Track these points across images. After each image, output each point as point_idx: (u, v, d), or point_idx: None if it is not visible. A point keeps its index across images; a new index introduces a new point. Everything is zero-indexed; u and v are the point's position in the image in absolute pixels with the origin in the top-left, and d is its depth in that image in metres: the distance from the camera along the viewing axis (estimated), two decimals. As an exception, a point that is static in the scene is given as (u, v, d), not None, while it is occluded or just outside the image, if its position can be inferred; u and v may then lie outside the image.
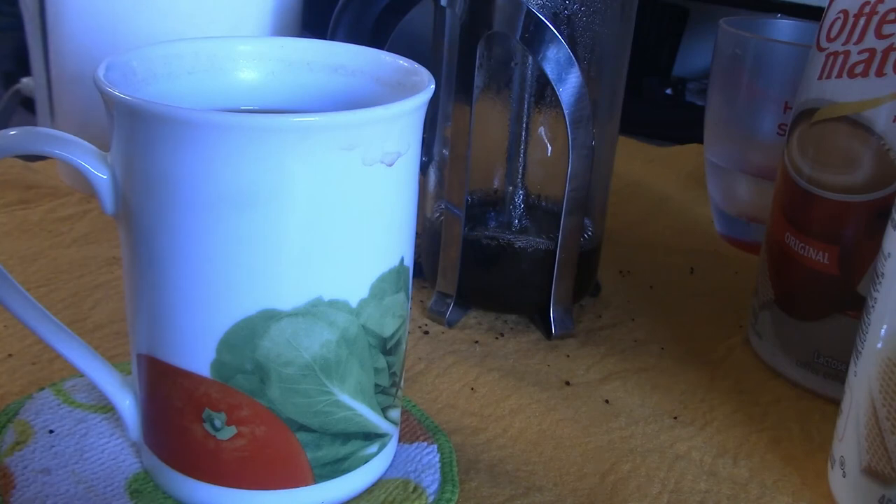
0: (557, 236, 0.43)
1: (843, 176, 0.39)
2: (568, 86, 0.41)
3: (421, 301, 0.47)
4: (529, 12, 0.40)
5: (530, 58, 0.42)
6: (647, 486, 0.35)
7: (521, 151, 0.46)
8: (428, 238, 0.47)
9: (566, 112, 0.41)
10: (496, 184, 0.47)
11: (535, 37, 0.40)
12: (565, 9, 0.41)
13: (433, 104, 0.41)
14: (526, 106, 0.44)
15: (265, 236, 0.27)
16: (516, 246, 0.45)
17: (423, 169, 0.47)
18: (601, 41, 0.43)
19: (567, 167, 0.42)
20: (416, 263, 0.45)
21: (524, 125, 0.45)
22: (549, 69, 0.40)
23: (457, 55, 0.42)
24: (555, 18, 0.41)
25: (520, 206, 0.47)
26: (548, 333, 0.45)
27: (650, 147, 0.78)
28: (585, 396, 0.41)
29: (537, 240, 0.45)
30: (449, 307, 0.45)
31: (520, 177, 0.46)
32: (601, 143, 0.44)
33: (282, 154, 0.26)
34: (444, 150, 0.45)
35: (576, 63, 0.40)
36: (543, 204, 0.47)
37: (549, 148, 0.45)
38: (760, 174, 0.55)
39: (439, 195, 0.46)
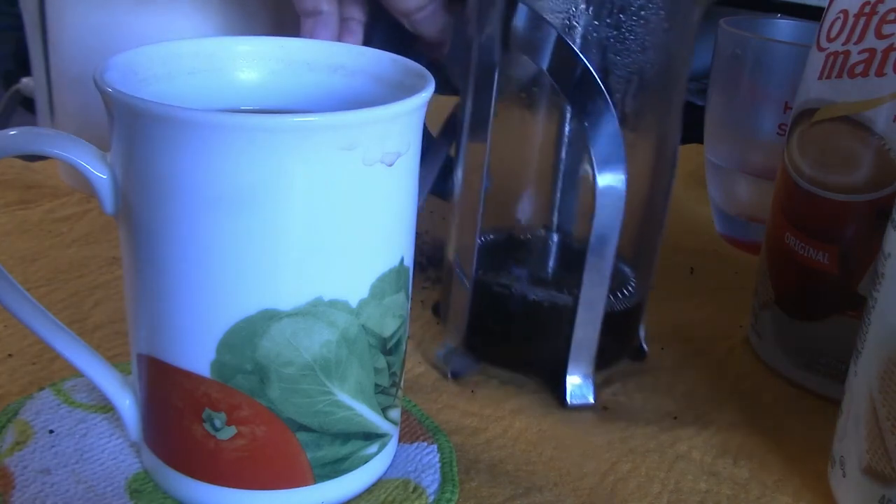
0: (577, 292, 0.38)
1: (843, 176, 0.39)
2: (596, 120, 0.35)
3: (422, 301, 0.47)
4: (559, 39, 0.35)
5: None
6: (647, 486, 0.35)
7: (553, 190, 0.40)
8: (445, 279, 0.43)
9: (592, 151, 0.35)
10: (518, 222, 0.42)
11: (560, 66, 0.35)
12: (595, 32, 0.35)
13: (459, 130, 0.39)
14: (561, 138, 0.39)
15: (265, 236, 0.27)
16: (530, 299, 0.39)
17: (447, 197, 0.42)
18: (645, 72, 0.37)
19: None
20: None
21: (558, 160, 0.39)
22: (574, 100, 0.35)
23: (473, 81, 0.38)
24: (584, 45, 0.36)
25: (543, 251, 0.41)
26: (561, 400, 0.39)
27: (650, 147, 0.77)
28: (585, 396, 0.40)
29: (556, 293, 0.39)
30: (455, 358, 0.41)
31: (553, 218, 0.40)
32: (654, 186, 0.39)
33: (282, 154, 0.26)
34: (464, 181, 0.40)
35: (605, 96, 0.35)
36: (571, 250, 0.41)
37: (580, 187, 0.40)
38: (760, 174, 0.55)
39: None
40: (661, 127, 0.39)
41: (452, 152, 0.42)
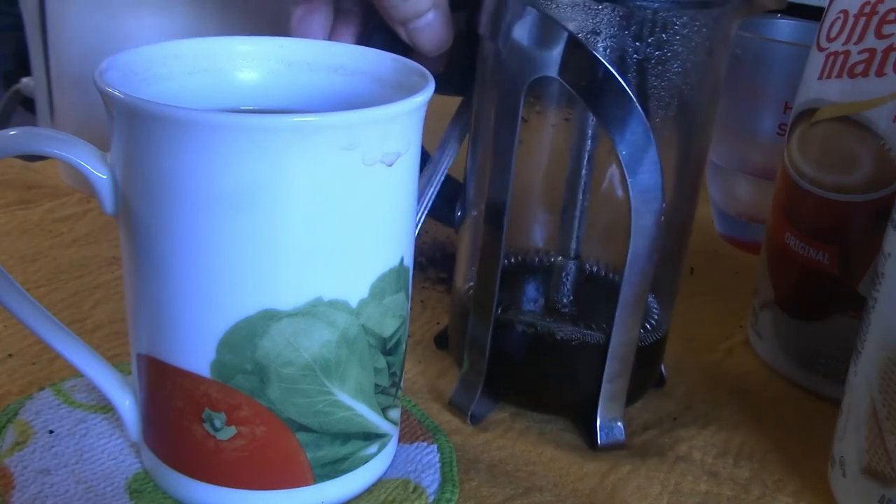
0: (609, 329, 0.35)
1: (843, 176, 0.39)
2: (632, 147, 0.32)
3: (422, 301, 0.47)
4: (589, 56, 0.32)
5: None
6: (647, 487, 0.35)
7: (575, 216, 0.37)
8: (456, 312, 0.40)
9: (629, 180, 0.33)
10: (540, 250, 0.40)
11: (592, 86, 0.32)
12: (635, 53, 0.32)
13: (471, 150, 0.37)
14: (584, 161, 0.36)
15: (265, 236, 0.27)
16: (557, 337, 0.37)
17: (458, 225, 0.40)
18: (681, 94, 0.34)
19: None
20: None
21: (580, 185, 0.37)
22: (610, 125, 0.32)
23: (494, 101, 0.35)
24: (620, 64, 0.33)
25: (566, 283, 0.38)
26: (591, 441, 0.37)
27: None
28: (585, 396, 0.40)
29: (584, 331, 0.37)
30: (474, 401, 0.38)
31: (572, 246, 0.38)
32: (680, 209, 0.37)
33: (282, 154, 0.26)
34: (478, 208, 0.37)
35: (644, 121, 0.32)
36: (597, 281, 0.39)
37: (610, 214, 0.37)
38: (760, 174, 0.55)
39: (474, 261, 0.38)
40: (692, 148, 0.37)
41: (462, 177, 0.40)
